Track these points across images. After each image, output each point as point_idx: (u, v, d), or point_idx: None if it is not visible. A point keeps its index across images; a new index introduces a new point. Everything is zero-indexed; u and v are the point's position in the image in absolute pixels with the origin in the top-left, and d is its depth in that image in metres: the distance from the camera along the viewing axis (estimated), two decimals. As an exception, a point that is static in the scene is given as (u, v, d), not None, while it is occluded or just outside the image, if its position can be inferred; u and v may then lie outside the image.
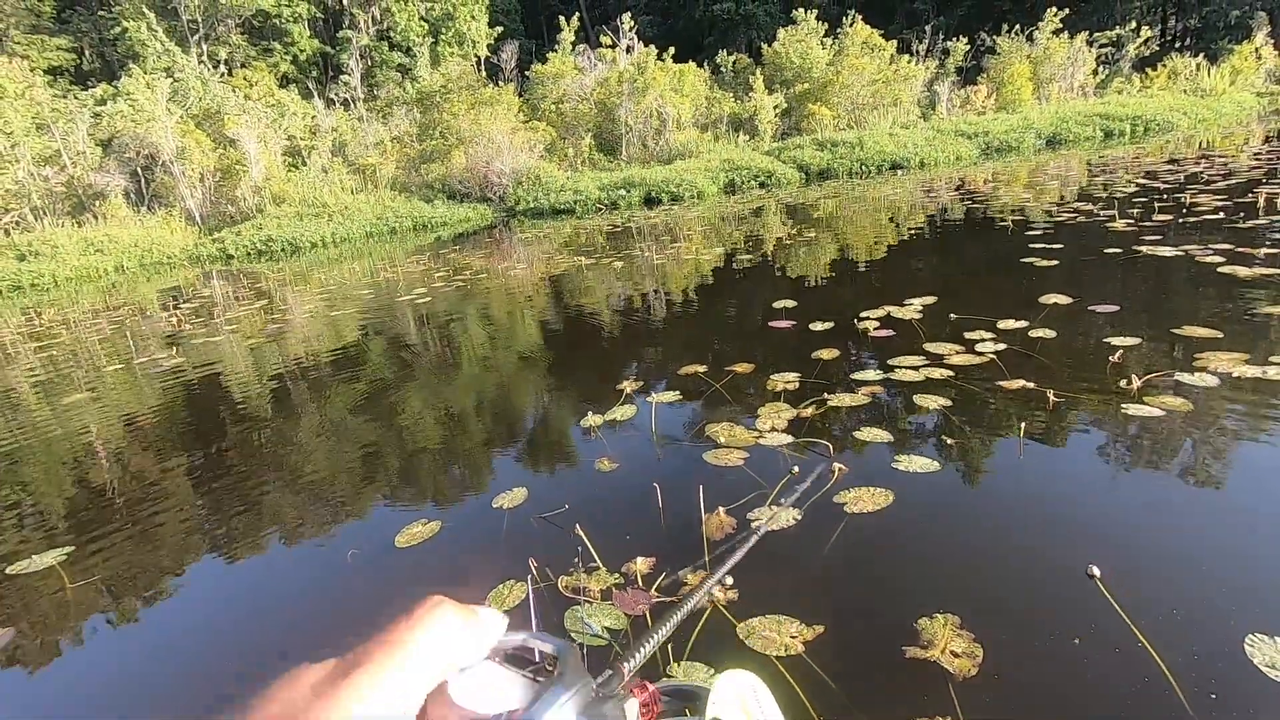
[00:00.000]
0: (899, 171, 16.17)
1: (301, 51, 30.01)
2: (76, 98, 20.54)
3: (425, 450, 3.83)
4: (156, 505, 3.48)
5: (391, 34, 29.97)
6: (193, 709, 2.09)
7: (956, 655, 1.81)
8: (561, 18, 26.30)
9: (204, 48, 27.23)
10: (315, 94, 24.36)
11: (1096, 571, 2.03)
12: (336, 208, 16.84)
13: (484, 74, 24.60)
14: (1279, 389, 3.13)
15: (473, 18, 30.84)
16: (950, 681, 1.74)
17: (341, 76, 26.52)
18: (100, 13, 27.59)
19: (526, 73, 24.82)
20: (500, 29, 32.65)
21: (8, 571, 2.92)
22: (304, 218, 16.40)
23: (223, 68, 24.62)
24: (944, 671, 1.77)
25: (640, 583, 2.28)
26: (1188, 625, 1.84)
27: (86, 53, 28.83)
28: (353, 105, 24.94)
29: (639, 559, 2.38)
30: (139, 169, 17.75)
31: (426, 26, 30.15)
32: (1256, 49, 26.55)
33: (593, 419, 3.74)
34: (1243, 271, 4.92)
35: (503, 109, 18.98)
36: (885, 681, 1.80)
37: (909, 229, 8.88)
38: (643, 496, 2.85)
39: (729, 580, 2.23)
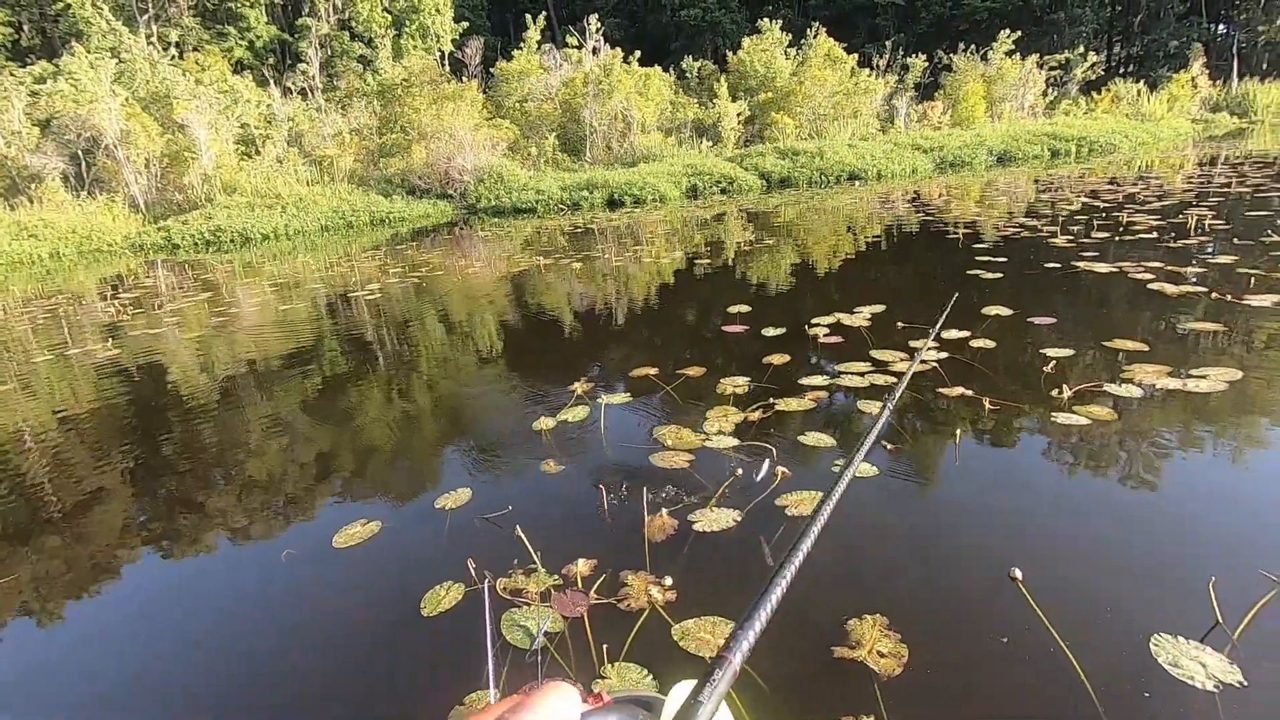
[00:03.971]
0: (857, 182, 16.51)
1: (258, 37, 29.14)
2: (13, 74, 19.55)
3: (370, 449, 3.76)
4: (84, 501, 3.33)
5: (353, 24, 29.32)
6: (116, 713, 2.01)
7: (883, 655, 1.85)
8: (528, 16, 26.12)
9: (153, 28, 26.22)
10: (271, 81, 23.66)
11: (1018, 574, 2.10)
12: (291, 199, 16.38)
13: (448, 69, 24.27)
14: (1197, 401, 3.29)
15: (437, 11, 30.40)
16: (875, 680, 1.78)
17: (300, 65, 25.81)
18: (42, -13, 26.35)
19: (491, 70, 24.59)
20: (466, 24, 32.25)
21: (-88, 572, 2.76)
22: (256, 208, 15.91)
23: (173, 50, 23.73)
24: (870, 671, 1.81)
25: (580, 584, 2.27)
26: (1100, 625, 1.92)
27: (25, 28, 27.50)
28: (311, 95, 24.32)
29: (580, 560, 2.38)
30: (79, 152, 16.99)
31: (390, 18, 29.59)
32: (1193, 78, 27.94)
33: (544, 420, 3.72)
34: (1170, 289, 5.16)
35: (466, 105, 18.75)
36: (814, 681, 1.84)
37: (864, 239, 9.07)
38: (588, 498, 2.85)
39: (668, 581, 2.24)
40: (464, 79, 22.56)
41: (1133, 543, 2.34)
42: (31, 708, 2.07)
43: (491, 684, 1.66)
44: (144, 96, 18.83)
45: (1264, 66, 32.35)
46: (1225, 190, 10.22)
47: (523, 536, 2.47)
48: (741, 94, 22.52)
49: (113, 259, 14.05)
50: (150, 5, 26.72)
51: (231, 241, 14.78)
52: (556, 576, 2.32)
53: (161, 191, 17.37)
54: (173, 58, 22.26)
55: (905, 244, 8.51)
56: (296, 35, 28.97)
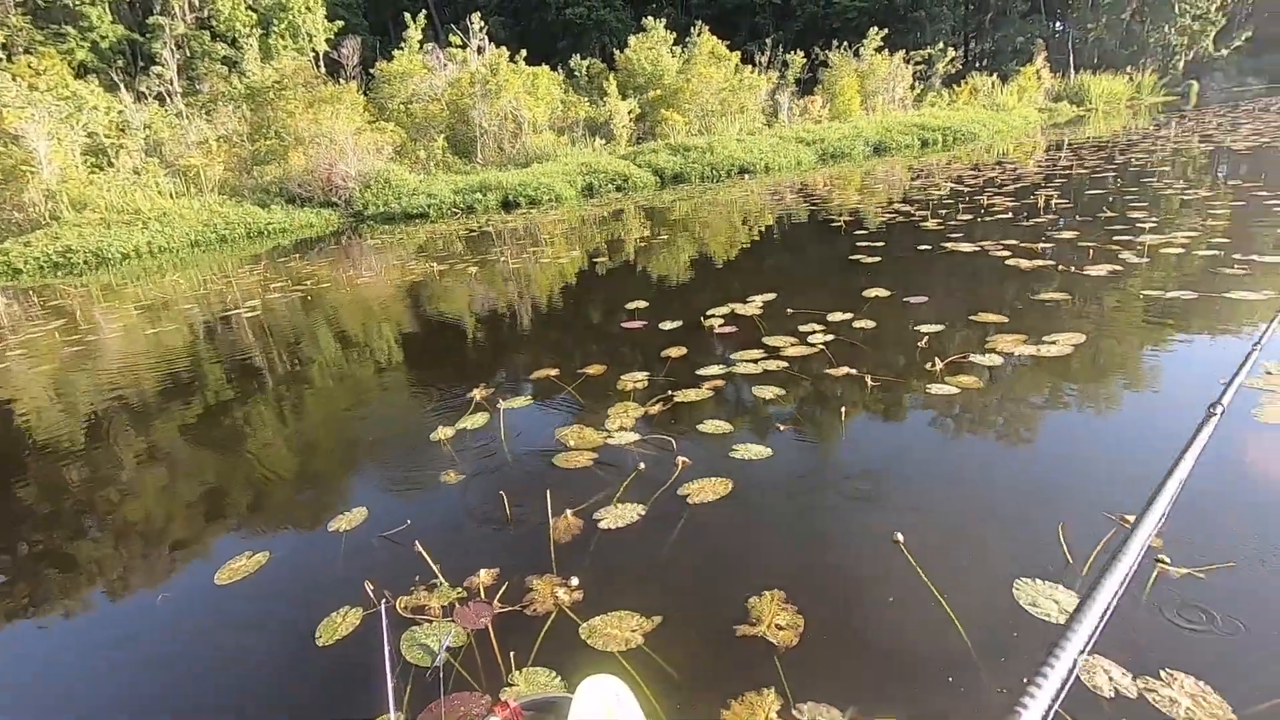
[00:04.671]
0: (747, 176, 17.04)
1: (103, 38, 26.53)
2: None
3: (257, 477, 3.53)
4: (-91, 567, 2.94)
5: (214, 23, 27.26)
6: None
7: (781, 628, 1.94)
8: (408, 14, 25.19)
9: (-27, 29, 23.34)
10: (122, 86, 21.62)
11: (900, 537, 2.25)
12: (153, 214, 15.06)
13: (323, 70, 23.04)
14: (1051, 364, 3.63)
15: (308, 9, 28.74)
16: (775, 653, 1.86)
17: (154, 67, 23.73)
18: None
19: (371, 71, 23.58)
20: (341, 23, 30.71)
21: None
22: (112, 225, 14.51)
23: (0, 54, 21.23)
24: (770, 645, 1.89)
25: (483, 595, 2.23)
26: (971, 576, 2.09)
27: None
28: (169, 100, 22.43)
29: (482, 571, 2.34)
30: (-112, 170, 14.89)
31: (255, 16, 27.70)
32: (1037, 71, 30.67)
33: (442, 430, 3.62)
34: (1025, 264, 5.66)
35: (346, 108, 17.88)
36: (718, 661, 1.89)
37: (756, 230, 9.39)
38: (490, 506, 2.80)
39: (574, 581, 2.24)
40: (342, 80, 21.51)
41: (998, 498, 2.56)
42: None
43: (391, 708, 1.62)
44: (-34, 105, 16.74)
45: (1095, 60, 36.05)
46: (1068, 172, 11.30)
47: (423, 552, 2.40)
48: (631, 92, 22.71)
49: (-60, 289, 12.43)
50: (-33, 3, 23.77)
51: (85, 263, 13.42)
52: (460, 589, 2.27)
53: (-4, 210, 15.51)
54: (0, 62, 19.89)
55: (794, 233, 8.88)
56: (148, 35, 26.60)
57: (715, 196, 13.79)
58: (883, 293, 5.25)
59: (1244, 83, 36.84)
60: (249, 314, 7.28)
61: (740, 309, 5.24)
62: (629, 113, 21.38)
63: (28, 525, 3.21)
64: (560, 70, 24.60)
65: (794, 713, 1.67)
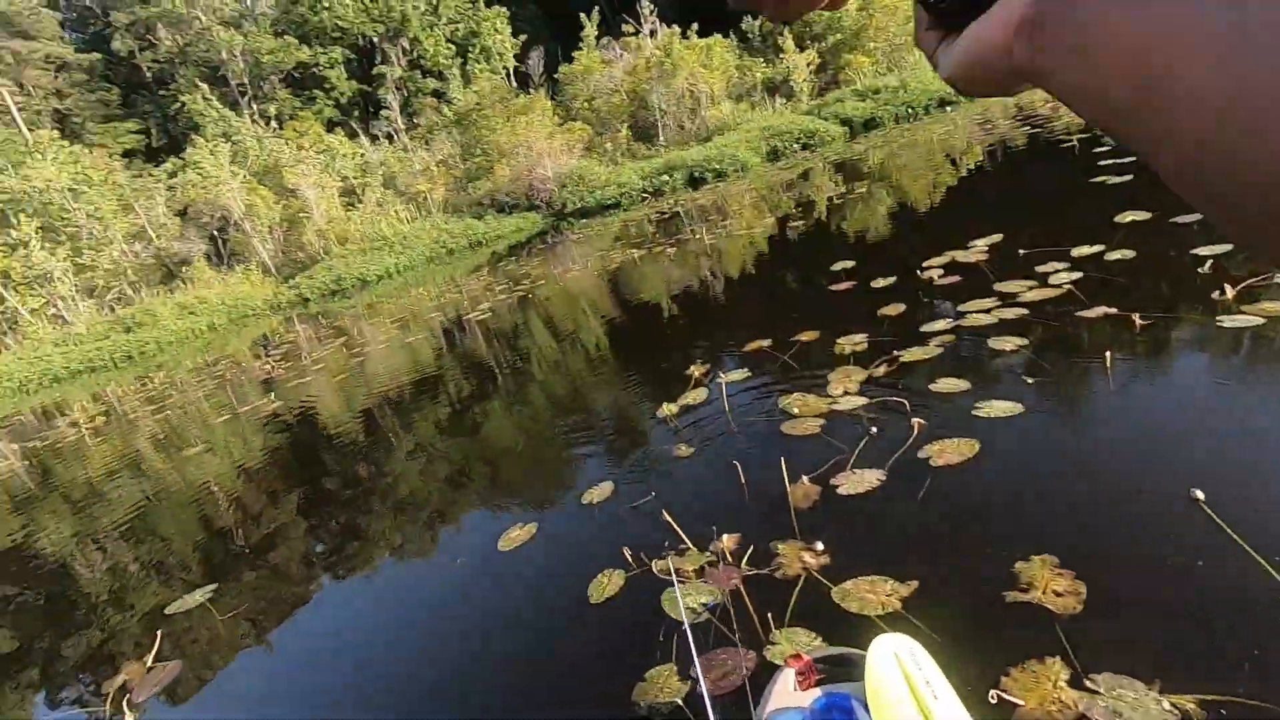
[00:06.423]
0: (948, 108, 15.46)
1: (342, 95, 31.28)
2: (151, 174, 22.17)
3: (512, 460, 4.02)
4: (277, 540, 3.81)
5: (422, 61, 30.82)
6: (349, 706, 2.31)
7: (1059, 594, 1.79)
8: (582, 14, 26.34)
9: (254, 107, 28.80)
10: (360, 132, 25.38)
11: (1200, 494, 1.95)
12: (395, 238, 17.56)
13: (514, 83, 25.03)
14: (1398, 276, 2.88)
15: (496, 30, 31.31)
16: (1056, 620, 1.73)
17: (382, 111, 27.52)
18: (160, 92, 29.68)
19: (555, 75, 25.07)
20: (524, 36, 33.00)
21: (166, 612, 3.27)
22: (367, 252, 17.19)
23: (273, 123, 25.98)
24: (1048, 612, 1.76)
25: (730, 559, 2.35)
26: (1309, 539, 1.75)
27: (153, 131, 31.00)
28: (396, 137, 25.85)
29: (725, 537, 2.45)
30: (215, 231, 19.04)
31: (454, 48, 30.83)
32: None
33: (667, 408, 3.81)
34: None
35: (537, 115, 19.27)
36: (989, 627, 1.81)
37: (966, 166, 8.52)
38: (724, 476, 2.91)
39: (820, 546, 2.27)
40: (531, 90, 23.17)
41: (1337, 446, 2.11)
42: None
43: (695, 658, 1.68)
44: (258, 171, 20.78)
45: None
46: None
47: (670, 520, 2.58)
48: (808, 42, 21.65)
49: (258, 321, 15.66)
50: (249, 87, 29.34)
51: (352, 287, 16.06)
52: (708, 553, 2.41)
53: (286, 253, 19.14)
54: (274, 130, 24.37)
55: (1014, 163, 7.92)
56: (375, 84, 30.81)
57: (914, 137, 12.71)
58: (1141, 216, 4.49)
59: None
60: (481, 316, 8.22)
61: (961, 256, 4.82)
62: (808, 65, 20.42)
63: (340, 506, 3.97)
64: (733, 35, 24.15)
65: (1087, 683, 1.54)
